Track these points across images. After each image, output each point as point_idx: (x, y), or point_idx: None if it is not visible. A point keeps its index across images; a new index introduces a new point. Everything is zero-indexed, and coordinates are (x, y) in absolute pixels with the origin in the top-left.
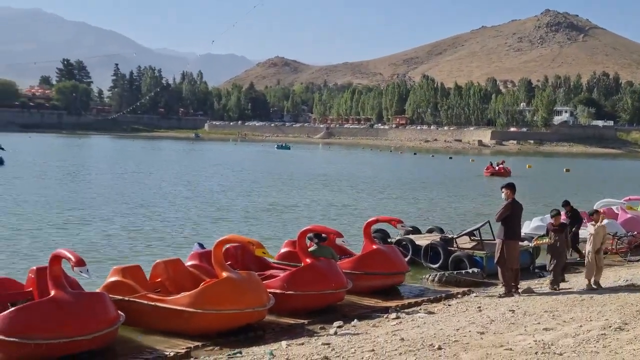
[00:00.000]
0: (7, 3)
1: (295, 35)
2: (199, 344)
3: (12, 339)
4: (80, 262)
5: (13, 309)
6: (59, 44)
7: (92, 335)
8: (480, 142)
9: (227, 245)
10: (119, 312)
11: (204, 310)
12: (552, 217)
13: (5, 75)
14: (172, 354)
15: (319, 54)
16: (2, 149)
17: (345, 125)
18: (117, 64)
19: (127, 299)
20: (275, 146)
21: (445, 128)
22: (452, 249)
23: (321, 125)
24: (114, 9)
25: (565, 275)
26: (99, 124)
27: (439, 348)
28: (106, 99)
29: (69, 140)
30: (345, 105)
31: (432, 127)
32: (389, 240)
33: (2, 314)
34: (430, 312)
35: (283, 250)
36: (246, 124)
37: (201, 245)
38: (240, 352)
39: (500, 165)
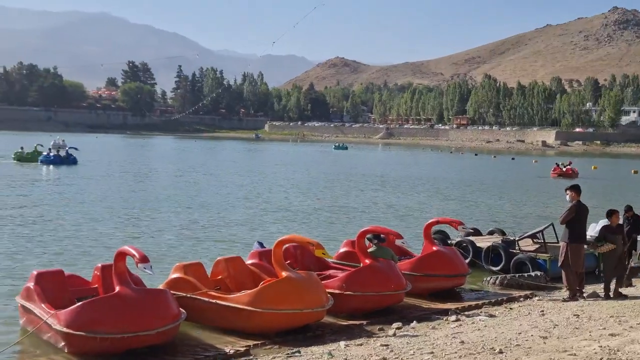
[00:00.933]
0: (76, 7)
1: (355, 36)
2: (258, 342)
3: (78, 333)
4: (144, 259)
5: (79, 303)
6: (125, 46)
7: (155, 330)
8: (544, 142)
9: (287, 245)
10: (181, 308)
11: (264, 309)
12: (608, 217)
13: (74, 77)
14: (231, 351)
15: (379, 54)
16: (76, 149)
17: (405, 126)
18: (180, 66)
19: (188, 295)
20: (333, 147)
21: (508, 128)
22: (514, 251)
23: (381, 126)
24: (177, 12)
25: (633, 279)
26: (162, 124)
27: (500, 352)
28: (169, 100)
29: (134, 141)
30: (405, 106)
31: (494, 127)
32: (449, 242)
33: (69, 308)
34: (491, 315)
35: (342, 250)
36: (306, 124)
37: (261, 244)
38: (299, 352)
39: (568, 167)
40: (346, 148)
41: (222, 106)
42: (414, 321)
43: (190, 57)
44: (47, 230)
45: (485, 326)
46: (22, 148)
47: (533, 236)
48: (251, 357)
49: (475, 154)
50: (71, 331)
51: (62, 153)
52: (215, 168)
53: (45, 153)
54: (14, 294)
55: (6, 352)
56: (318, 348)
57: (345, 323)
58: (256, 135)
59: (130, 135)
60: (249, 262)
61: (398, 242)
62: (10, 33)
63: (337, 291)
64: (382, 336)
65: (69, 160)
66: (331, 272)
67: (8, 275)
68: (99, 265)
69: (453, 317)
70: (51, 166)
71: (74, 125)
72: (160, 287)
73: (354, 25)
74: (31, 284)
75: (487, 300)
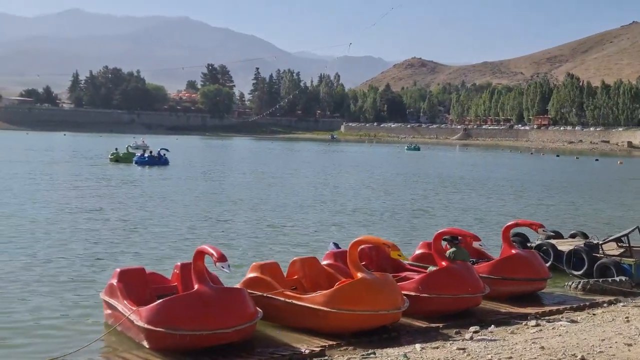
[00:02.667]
0: (158, 12)
1: (432, 36)
2: (334, 343)
3: (158, 329)
4: (222, 258)
5: (160, 301)
6: (205, 49)
7: (232, 328)
8: (629, 143)
9: (362, 246)
10: (257, 307)
11: (339, 309)
12: None
13: (156, 81)
14: (307, 351)
15: (457, 54)
16: (167, 150)
17: (484, 126)
18: (257, 68)
19: (264, 295)
20: (405, 147)
21: (591, 129)
22: (598, 255)
23: (458, 127)
24: (256, 15)
25: None
26: (240, 126)
27: (582, 359)
28: (247, 102)
29: (213, 142)
30: (483, 106)
31: (576, 128)
32: (529, 244)
33: (150, 305)
34: (572, 321)
35: (418, 252)
36: (382, 125)
37: (336, 245)
38: (374, 353)
39: None
40: (418, 149)
41: (298, 108)
42: (492, 325)
43: (268, 59)
44: (132, 228)
45: (567, 332)
46: (116, 149)
47: (618, 240)
48: (326, 357)
49: (557, 155)
50: (151, 327)
51: (155, 153)
52: (292, 169)
53: (139, 154)
54: (98, 290)
55: (91, 346)
56: (393, 350)
57: (421, 325)
58: (332, 137)
59: (209, 137)
60: (324, 262)
61: (476, 244)
62: (96, 39)
63: (413, 293)
64: (459, 339)
65: (161, 161)
66: (407, 274)
67: (94, 271)
68: (179, 263)
69: (533, 322)
70: (146, 167)
71: (156, 127)
72: (237, 286)
73: (431, 25)
74: (114, 281)
75: (568, 306)
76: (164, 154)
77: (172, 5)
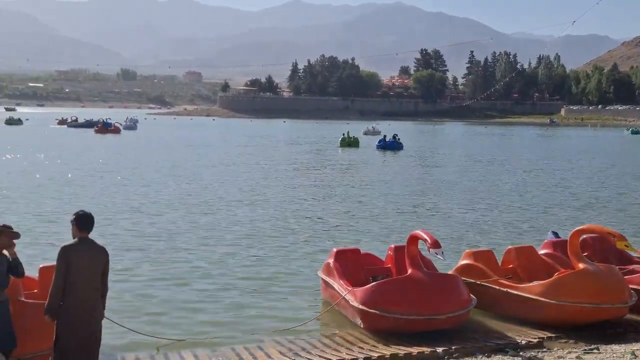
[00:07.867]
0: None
1: None
2: (552, 335)
3: (373, 311)
4: (435, 244)
5: (374, 283)
6: (418, 34)
7: (446, 315)
8: None
9: (585, 236)
10: (471, 295)
11: (559, 301)
12: None
13: (370, 67)
14: (523, 342)
15: None
16: (397, 136)
17: None
18: (472, 51)
19: (479, 282)
20: (625, 130)
21: None
22: None
23: None
24: None
25: None
26: (453, 111)
27: None
28: (460, 87)
29: (426, 127)
30: None
31: None
32: None
33: (365, 287)
34: None
35: None
36: (607, 108)
37: (555, 234)
38: (598, 349)
39: None
40: (638, 132)
41: (514, 91)
42: None
43: (482, 42)
44: (359, 208)
45: None
46: (343, 134)
47: None
48: (544, 349)
49: None
50: (366, 309)
51: (388, 138)
52: (509, 153)
53: (380, 138)
54: (317, 268)
55: (310, 323)
56: (620, 347)
57: None
58: (551, 121)
59: (421, 122)
60: (541, 252)
61: None
62: (314, 28)
63: None
64: None
65: (399, 146)
66: (634, 267)
67: (314, 250)
68: (392, 246)
69: None
70: (385, 150)
71: (368, 113)
72: (451, 272)
73: None
74: (331, 261)
75: None
76: (399, 139)
77: None
